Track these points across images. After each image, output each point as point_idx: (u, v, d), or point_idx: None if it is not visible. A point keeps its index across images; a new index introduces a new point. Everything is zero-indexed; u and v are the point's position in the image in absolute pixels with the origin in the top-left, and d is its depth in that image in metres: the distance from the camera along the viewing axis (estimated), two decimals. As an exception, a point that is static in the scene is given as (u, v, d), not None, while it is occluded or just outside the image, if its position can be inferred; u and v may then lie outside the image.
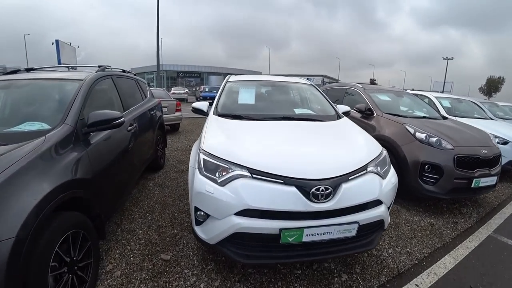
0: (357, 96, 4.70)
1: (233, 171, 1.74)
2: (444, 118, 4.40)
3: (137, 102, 3.37)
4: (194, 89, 41.07)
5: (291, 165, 1.75)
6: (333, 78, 62.77)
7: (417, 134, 3.41)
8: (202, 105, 2.95)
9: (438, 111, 4.94)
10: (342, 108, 3.23)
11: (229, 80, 3.48)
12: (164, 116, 7.18)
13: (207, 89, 23.29)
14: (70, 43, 21.51)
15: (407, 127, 3.54)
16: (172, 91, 26.47)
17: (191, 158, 2.14)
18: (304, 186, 1.65)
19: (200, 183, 1.76)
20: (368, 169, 1.93)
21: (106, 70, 2.85)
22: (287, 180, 1.66)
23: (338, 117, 2.92)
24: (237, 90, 3.27)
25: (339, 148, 2.11)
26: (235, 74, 3.94)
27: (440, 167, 3.18)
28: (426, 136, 3.34)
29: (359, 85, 4.86)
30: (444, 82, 41.53)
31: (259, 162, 1.74)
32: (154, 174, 4.15)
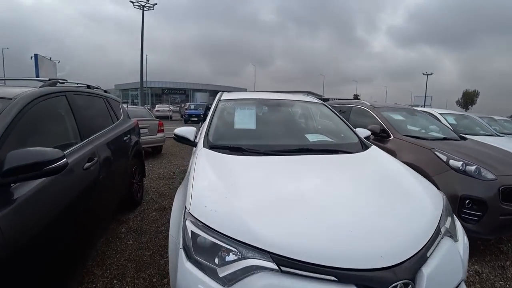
0: (365, 115, 4.14)
1: (245, 258, 1.02)
2: (463, 138, 3.89)
3: (104, 127, 2.62)
4: (178, 106, 40.31)
5: (344, 245, 1.04)
6: (317, 94, 63.77)
7: (451, 162, 2.83)
8: (188, 131, 2.23)
9: (453, 130, 4.45)
10: (361, 132, 2.64)
11: (222, 98, 2.82)
12: (144, 138, 6.40)
13: (192, 106, 22.31)
14: (50, 58, 20.59)
15: (437, 153, 2.97)
16: (156, 109, 25.57)
17: (172, 220, 1.40)
18: (372, 283, 0.97)
19: (188, 280, 1.02)
20: (442, 231, 1.28)
21: (59, 84, 2.12)
22: (342, 276, 0.96)
23: (364, 145, 2.29)
24: (233, 112, 2.62)
25: (397, 201, 1.40)
26: (223, 91, 3.30)
27: (484, 202, 2.60)
28: (462, 164, 2.77)
29: (367, 103, 4.33)
30: (425, 96, 42.93)
31: (290, 243, 1.03)
32: (129, 215, 3.33)
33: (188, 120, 20.00)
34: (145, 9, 24.39)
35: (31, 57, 18.12)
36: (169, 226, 1.42)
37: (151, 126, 6.71)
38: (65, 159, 1.33)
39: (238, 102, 2.80)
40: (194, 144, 2.17)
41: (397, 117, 3.97)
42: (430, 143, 3.21)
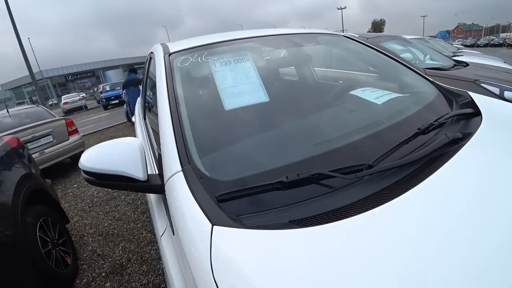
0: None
1: None
2: (463, 63, 3.26)
3: None
4: (91, 91, 34.51)
5: None
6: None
7: (507, 94, 2.13)
8: (117, 157, 0.86)
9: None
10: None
11: (171, 51, 1.40)
12: (52, 149, 4.56)
13: (108, 88, 18.55)
14: None
15: (484, 85, 2.22)
16: (63, 101, 20.99)
17: None
18: None
19: None
20: None
21: None
22: None
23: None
24: (208, 74, 1.29)
25: None
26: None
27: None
28: (521, 94, 2.09)
29: (351, 33, 3.36)
30: (343, 30, 44.90)
31: None
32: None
33: (107, 105, 16.93)
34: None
35: None
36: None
37: (56, 129, 4.74)
38: None
39: (207, 52, 1.36)
40: (147, 188, 0.91)
41: (401, 47, 3.12)
42: (468, 74, 2.45)
